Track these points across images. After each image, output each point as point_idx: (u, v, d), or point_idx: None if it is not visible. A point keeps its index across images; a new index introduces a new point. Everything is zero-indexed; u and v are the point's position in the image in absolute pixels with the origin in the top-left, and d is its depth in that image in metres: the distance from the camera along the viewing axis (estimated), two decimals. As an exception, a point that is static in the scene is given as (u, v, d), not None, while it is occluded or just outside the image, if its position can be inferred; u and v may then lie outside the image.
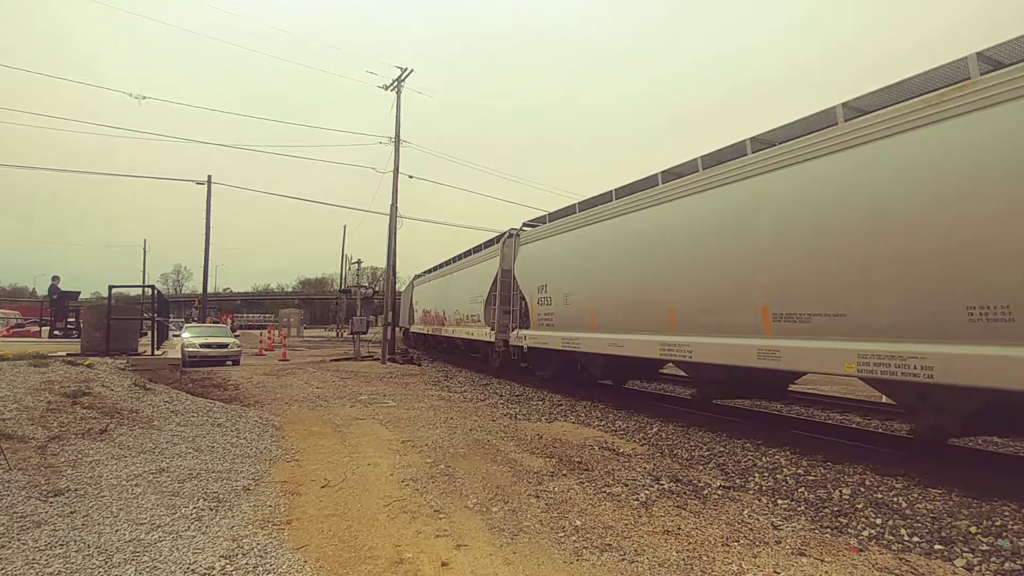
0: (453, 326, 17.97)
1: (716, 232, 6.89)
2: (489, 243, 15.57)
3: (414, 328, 26.06)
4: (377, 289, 33.72)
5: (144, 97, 21.93)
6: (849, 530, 4.06)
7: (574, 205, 10.59)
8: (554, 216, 11.59)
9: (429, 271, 23.77)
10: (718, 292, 6.89)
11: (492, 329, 13.89)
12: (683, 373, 12.47)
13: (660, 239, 7.91)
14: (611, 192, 9.38)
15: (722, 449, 6.57)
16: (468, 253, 17.64)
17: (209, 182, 28.17)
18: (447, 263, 20.33)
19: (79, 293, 17.40)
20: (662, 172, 8.15)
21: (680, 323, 7.48)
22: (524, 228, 13.02)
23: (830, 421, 8.65)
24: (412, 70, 21.55)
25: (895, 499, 4.67)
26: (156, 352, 11.35)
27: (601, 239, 9.37)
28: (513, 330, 12.84)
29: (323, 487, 4.84)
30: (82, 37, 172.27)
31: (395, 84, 21.66)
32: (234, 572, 3.12)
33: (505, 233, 13.80)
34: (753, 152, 6.56)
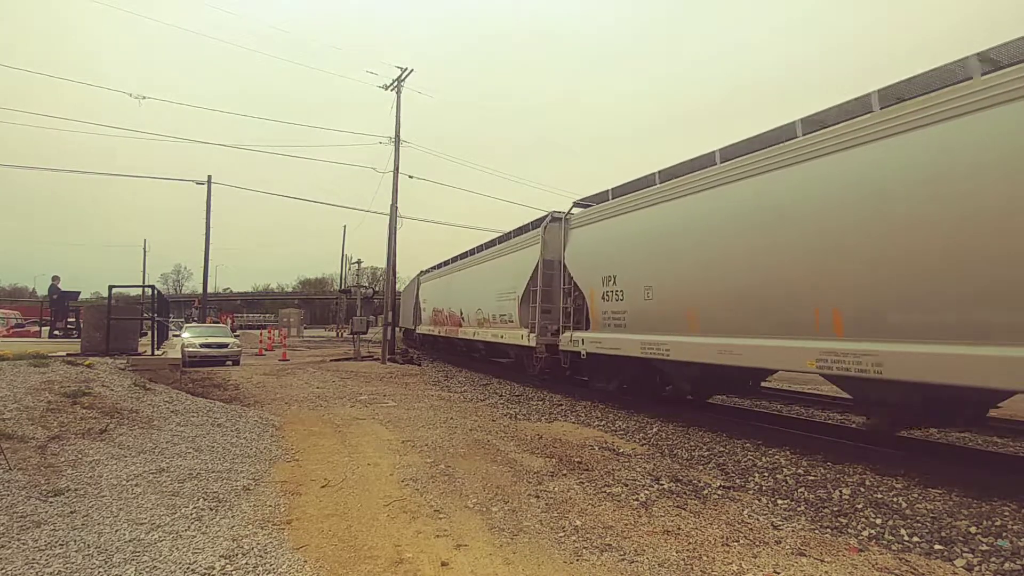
0: (474, 327, 15.72)
1: (946, 187, 4.64)
2: (521, 230, 13.36)
3: (421, 329, 23.60)
4: (377, 289, 33.74)
5: (144, 97, 21.96)
6: (849, 530, 4.07)
7: (653, 175, 8.43)
8: (621, 191, 9.28)
9: (439, 266, 21.57)
10: (936, 280, 4.75)
11: (531, 331, 11.63)
12: (801, 389, 11.04)
13: (808, 211, 5.82)
14: (713, 154, 7.30)
15: (722, 449, 6.57)
16: (493, 243, 15.47)
17: (209, 182, 28.18)
18: (463, 256, 18.04)
19: (79, 293, 17.40)
20: (802, 120, 6.17)
21: (853, 324, 5.45)
22: (575, 209, 10.74)
23: (830, 421, 8.65)
24: (412, 70, 21.56)
25: (895, 499, 4.68)
26: (156, 352, 11.35)
27: (702, 214, 7.22)
28: (564, 331, 10.59)
29: (323, 487, 4.85)
30: (82, 37, 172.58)
31: (395, 84, 21.66)
32: (234, 572, 3.12)
33: (546, 216, 11.56)
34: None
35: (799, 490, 5.02)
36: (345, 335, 33.33)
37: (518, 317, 12.45)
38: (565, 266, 10.57)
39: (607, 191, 9.68)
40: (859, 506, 4.55)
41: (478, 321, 15.40)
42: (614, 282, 9.02)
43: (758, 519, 4.24)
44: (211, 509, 4.06)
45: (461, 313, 17.02)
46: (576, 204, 10.80)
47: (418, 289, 24.70)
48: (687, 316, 7.48)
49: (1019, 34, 4.49)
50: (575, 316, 10.40)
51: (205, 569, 3.13)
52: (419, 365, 18.69)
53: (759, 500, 4.75)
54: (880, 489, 4.94)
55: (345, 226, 48.96)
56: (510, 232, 14.20)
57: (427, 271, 24.03)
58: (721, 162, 7.14)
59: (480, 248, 16.48)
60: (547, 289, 11.23)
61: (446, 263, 20.48)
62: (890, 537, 3.92)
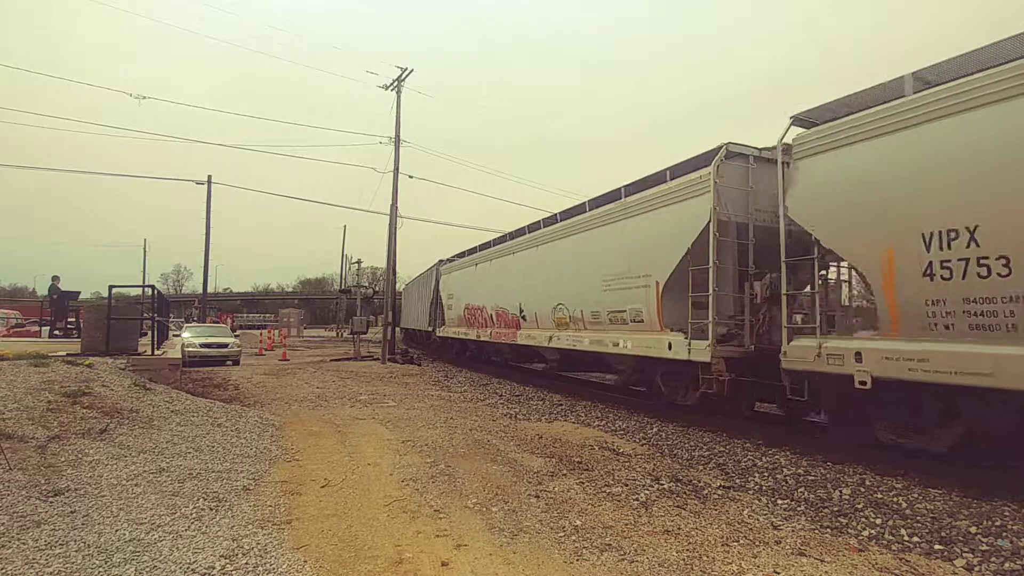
0: (549, 330, 11.54)
1: None
2: (651, 179, 8.78)
3: (446, 332, 19.41)
4: (377, 289, 33.76)
5: (144, 97, 21.99)
6: (849, 530, 4.07)
7: None
8: (933, 75, 5.34)
9: (472, 251, 17.19)
10: None
11: (688, 336, 7.57)
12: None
13: None
14: None
15: (722, 449, 6.57)
16: (579, 209, 10.82)
17: (209, 182, 28.19)
18: (518, 233, 13.78)
19: (79, 293, 17.41)
20: None
21: None
22: (795, 128, 6.60)
23: (830, 421, 8.63)
24: (412, 70, 21.55)
25: (895, 499, 4.68)
26: (156, 352, 11.34)
27: None
28: (796, 338, 6.37)
29: (323, 487, 4.84)
30: (82, 37, 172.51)
31: (395, 84, 21.65)
32: (234, 572, 3.12)
33: (718, 150, 7.45)
34: None
35: (799, 490, 5.02)
36: (345, 335, 33.34)
37: (655, 314, 8.31)
38: (791, 223, 6.51)
39: (899, 79, 5.56)
40: (859, 506, 4.55)
41: (556, 322, 11.23)
42: (963, 242, 4.81)
43: (758, 519, 4.24)
44: (211, 509, 4.06)
45: (521, 311, 12.92)
46: (797, 120, 6.65)
47: (438, 282, 20.15)
48: None
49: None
50: (829, 310, 6.71)
51: (205, 569, 3.13)
52: (419, 365, 18.69)
53: (759, 500, 4.75)
54: (880, 489, 4.94)
55: (345, 226, 49.01)
56: (621, 188, 9.48)
57: (451, 259, 19.53)
58: None
59: (553, 219, 11.91)
60: (725, 267, 7.40)
61: (486, 245, 16.02)
62: (890, 537, 3.93)
